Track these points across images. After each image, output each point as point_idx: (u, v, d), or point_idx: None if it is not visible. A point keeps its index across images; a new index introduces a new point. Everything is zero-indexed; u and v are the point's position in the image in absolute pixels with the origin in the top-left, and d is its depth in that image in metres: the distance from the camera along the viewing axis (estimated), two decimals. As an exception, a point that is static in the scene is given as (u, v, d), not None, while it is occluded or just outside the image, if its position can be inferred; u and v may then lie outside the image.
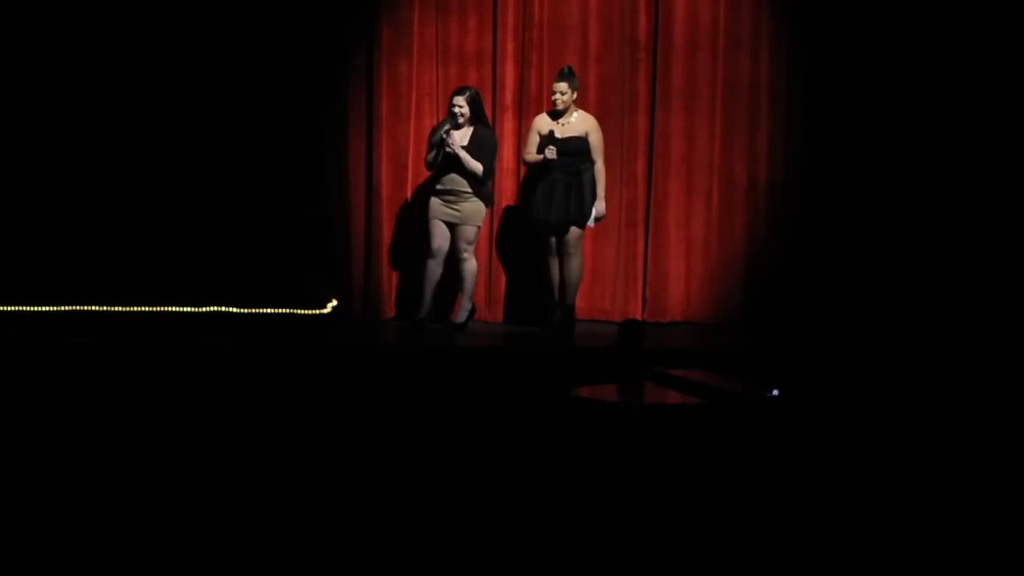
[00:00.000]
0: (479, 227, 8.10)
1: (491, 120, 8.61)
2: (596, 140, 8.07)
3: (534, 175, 8.18)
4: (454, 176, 7.97)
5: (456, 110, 7.95)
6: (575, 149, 7.99)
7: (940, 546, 3.88)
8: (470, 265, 8.08)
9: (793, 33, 8.68)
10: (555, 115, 8.10)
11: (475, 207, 8.01)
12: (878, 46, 8.48)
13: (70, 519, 4.01)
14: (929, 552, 3.84)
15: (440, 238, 8.06)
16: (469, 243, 8.05)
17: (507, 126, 8.71)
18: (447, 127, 7.93)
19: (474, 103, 8.01)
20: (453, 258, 8.08)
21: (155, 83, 8.65)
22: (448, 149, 7.87)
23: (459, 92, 8.05)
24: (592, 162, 8.05)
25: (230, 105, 8.66)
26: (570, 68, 8.15)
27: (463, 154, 7.90)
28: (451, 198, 8.01)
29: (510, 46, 8.71)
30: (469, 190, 7.97)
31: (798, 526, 4.07)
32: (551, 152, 7.92)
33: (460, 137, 7.95)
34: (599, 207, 8.05)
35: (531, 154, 8.12)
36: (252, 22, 8.66)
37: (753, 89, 8.70)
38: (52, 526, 3.93)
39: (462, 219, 8.01)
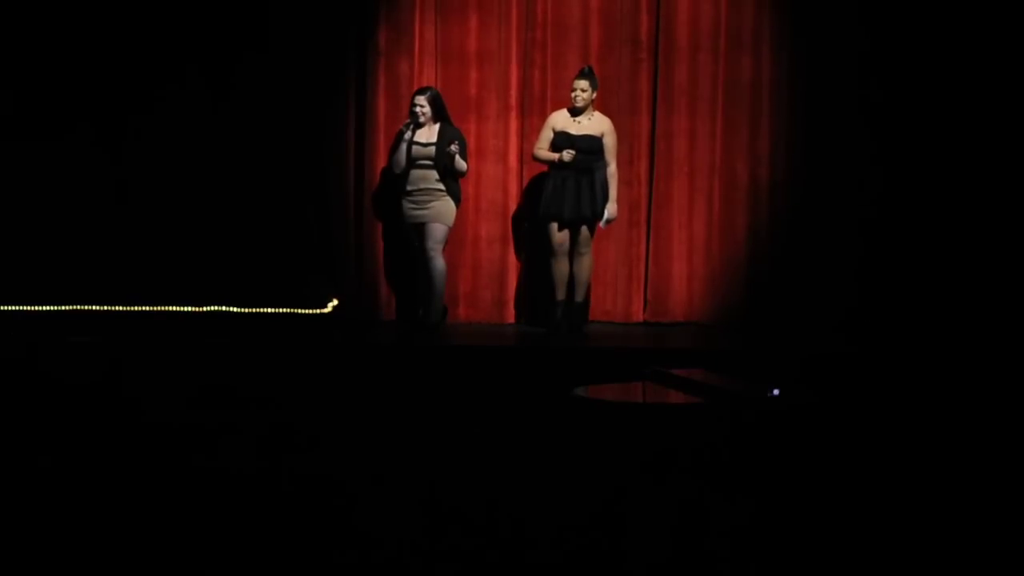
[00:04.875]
0: (449, 226, 8.08)
1: (495, 120, 8.65)
2: (611, 142, 8.07)
3: (545, 172, 8.18)
4: (423, 175, 7.99)
5: (417, 109, 8.00)
6: (589, 147, 7.99)
7: (940, 545, 3.87)
8: (438, 264, 8.04)
9: (795, 33, 8.67)
10: (573, 113, 8.10)
11: (446, 205, 8.02)
12: (880, 46, 8.48)
13: (71, 519, 4.01)
14: (929, 551, 3.83)
15: (418, 242, 8.10)
16: (438, 242, 8.03)
17: (511, 126, 8.71)
18: (411, 127, 7.98)
19: (435, 102, 8.05)
20: (422, 257, 8.08)
21: (156, 85, 8.64)
22: (452, 151, 7.88)
23: (420, 92, 8.10)
24: (605, 163, 8.05)
25: (230, 105, 8.66)
26: (590, 68, 8.17)
27: (460, 159, 7.95)
28: (423, 198, 8.01)
29: (513, 46, 8.71)
30: (441, 188, 7.99)
31: (800, 525, 4.07)
32: (568, 155, 7.93)
33: (426, 135, 7.99)
34: (611, 209, 8.04)
35: (543, 150, 8.12)
36: (252, 25, 8.66)
37: (755, 89, 8.70)
38: (53, 526, 3.92)
39: (432, 217, 8.00)
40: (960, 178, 8.39)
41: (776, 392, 5.44)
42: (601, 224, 8.06)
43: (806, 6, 8.65)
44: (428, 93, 8.08)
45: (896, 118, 8.47)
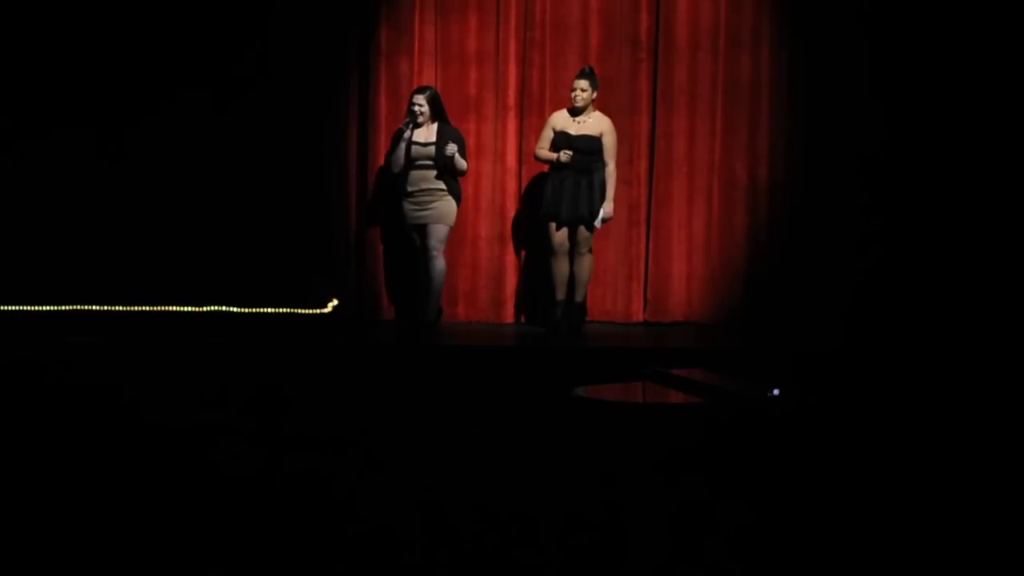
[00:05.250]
0: (451, 226, 8.07)
1: (493, 120, 8.65)
2: (610, 142, 8.06)
3: (545, 172, 8.19)
4: (423, 175, 7.97)
5: (416, 108, 7.97)
6: (588, 148, 7.98)
7: (940, 544, 3.87)
8: (439, 264, 8.01)
9: (794, 33, 8.68)
10: (573, 112, 8.09)
11: (448, 205, 7.99)
12: (879, 46, 8.48)
13: (71, 520, 4.01)
14: (929, 550, 3.83)
15: (419, 243, 8.08)
16: (440, 242, 8.01)
17: (510, 125, 8.72)
18: (410, 126, 7.96)
19: (434, 102, 8.03)
20: (423, 256, 8.05)
21: (157, 85, 8.64)
22: (449, 152, 7.87)
23: (419, 91, 8.07)
24: (604, 164, 8.05)
25: (230, 105, 8.67)
26: (591, 68, 8.16)
27: (459, 158, 7.92)
28: (425, 198, 7.99)
29: (512, 46, 8.71)
30: (442, 188, 7.97)
31: (800, 526, 4.07)
32: (565, 156, 7.93)
33: (424, 134, 7.97)
34: (607, 209, 8.04)
35: (543, 150, 8.12)
36: (253, 24, 8.67)
37: (754, 89, 8.70)
38: (53, 527, 3.92)
39: (434, 218, 7.98)
40: (959, 177, 8.39)
41: (776, 392, 5.44)
42: (597, 223, 8.05)
43: (805, 6, 8.65)
44: (427, 92, 8.07)
45: (895, 118, 8.47)
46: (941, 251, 8.40)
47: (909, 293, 8.41)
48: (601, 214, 8.02)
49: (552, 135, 8.09)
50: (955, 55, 8.36)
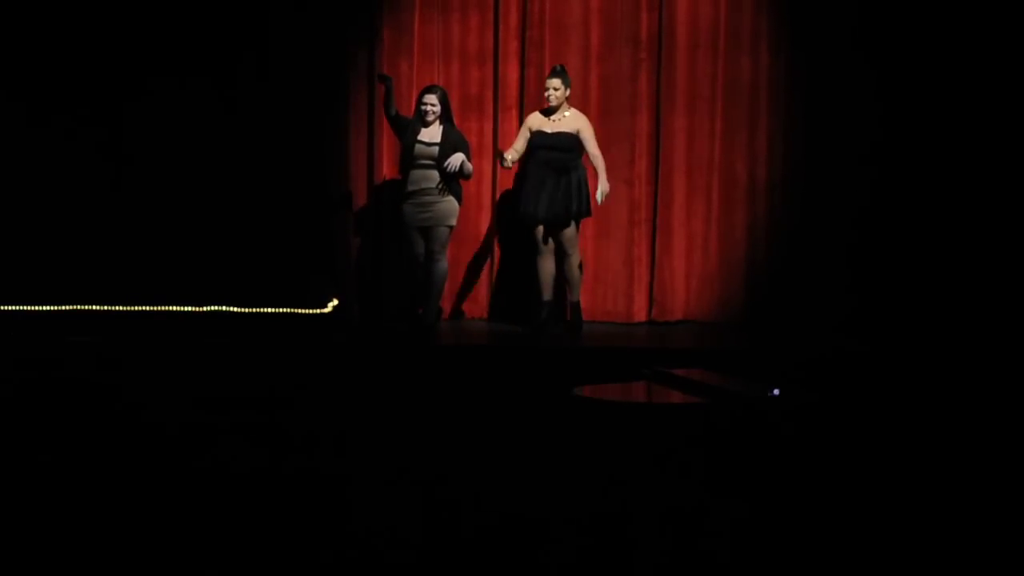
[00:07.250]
0: (452, 227, 8.04)
1: (493, 119, 8.65)
2: (589, 134, 8.03)
3: (523, 171, 8.17)
4: (425, 175, 7.92)
5: (428, 107, 7.93)
6: (565, 145, 7.97)
7: (940, 545, 3.87)
8: (442, 266, 7.98)
9: (793, 33, 8.69)
10: (547, 112, 8.08)
11: (449, 207, 7.95)
12: (878, 46, 8.49)
13: (70, 519, 4.01)
14: (929, 551, 3.83)
15: (420, 244, 8.05)
16: (442, 244, 7.97)
17: (509, 125, 8.72)
18: (418, 129, 7.93)
19: (444, 102, 8.00)
20: (426, 259, 8.02)
21: (157, 84, 8.64)
22: (451, 169, 7.83)
23: (430, 91, 8.03)
24: (581, 164, 8.01)
25: (231, 105, 8.67)
26: (562, 66, 8.15)
27: (468, 165, 7.90)
28: (426, 199, 7.94)
29: (512, 45, 8.72)
30: (444, 188, 7.94)
31: (800, 525, 4.07)
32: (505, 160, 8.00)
33: (430, 134, 7.94)
34: (603, 187, 7.94)
35: (513, 150, 8.07)
36: (254, 24, 8.67)
37: (753, 88, 8.71)
38: (52, 526, 3.92)
39: (436, 220, 7.94)
40: (958, 177, 8.40)
41: (776, 392, 5.44)
42: (598, 198, 7.95)
43: (805, 7, 8.66)
44: (438, 92, 8.03)
45: (893, 118, 8.48)
46: (942, 250, 8.40)
47: (908, 292, 8.41)
48: (600, 189, 7.94)
49: (528, 135, 8.07)
50: (954, 55, 8.37)
